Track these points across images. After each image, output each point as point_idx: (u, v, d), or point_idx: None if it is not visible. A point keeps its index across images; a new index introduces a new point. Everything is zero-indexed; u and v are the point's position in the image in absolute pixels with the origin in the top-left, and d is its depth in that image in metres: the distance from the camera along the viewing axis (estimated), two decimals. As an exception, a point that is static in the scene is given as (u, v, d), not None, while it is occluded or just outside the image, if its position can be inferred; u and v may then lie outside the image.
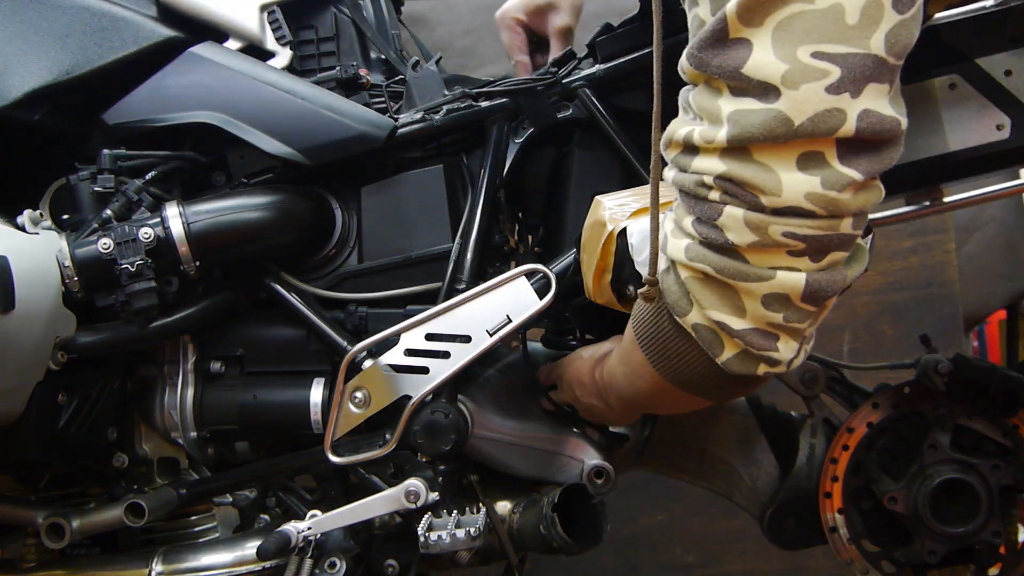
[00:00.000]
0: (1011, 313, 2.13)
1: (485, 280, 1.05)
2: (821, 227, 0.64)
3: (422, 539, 1.00)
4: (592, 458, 1.09)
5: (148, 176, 1.10)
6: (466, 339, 1.03)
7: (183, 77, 1.13)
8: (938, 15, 1.04)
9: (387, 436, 1.07)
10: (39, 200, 1.13)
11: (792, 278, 0.66)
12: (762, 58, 0.61)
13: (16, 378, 0.99)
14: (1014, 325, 2.13)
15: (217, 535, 1.18)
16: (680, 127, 0.70)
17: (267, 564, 1.10)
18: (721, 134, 0.64)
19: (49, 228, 1.07)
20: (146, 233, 1.03)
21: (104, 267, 1.02)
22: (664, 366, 0.79)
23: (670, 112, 0.72)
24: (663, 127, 0.73)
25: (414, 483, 1.05)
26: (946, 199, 1.26)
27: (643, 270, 0.84)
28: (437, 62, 1.21)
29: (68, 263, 1.02)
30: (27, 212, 1.06)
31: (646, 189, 0.98)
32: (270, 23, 1.22)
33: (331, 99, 1.13)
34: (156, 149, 1.13)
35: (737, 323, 0.69)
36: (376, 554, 1.10)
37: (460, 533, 1.00)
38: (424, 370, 1.04)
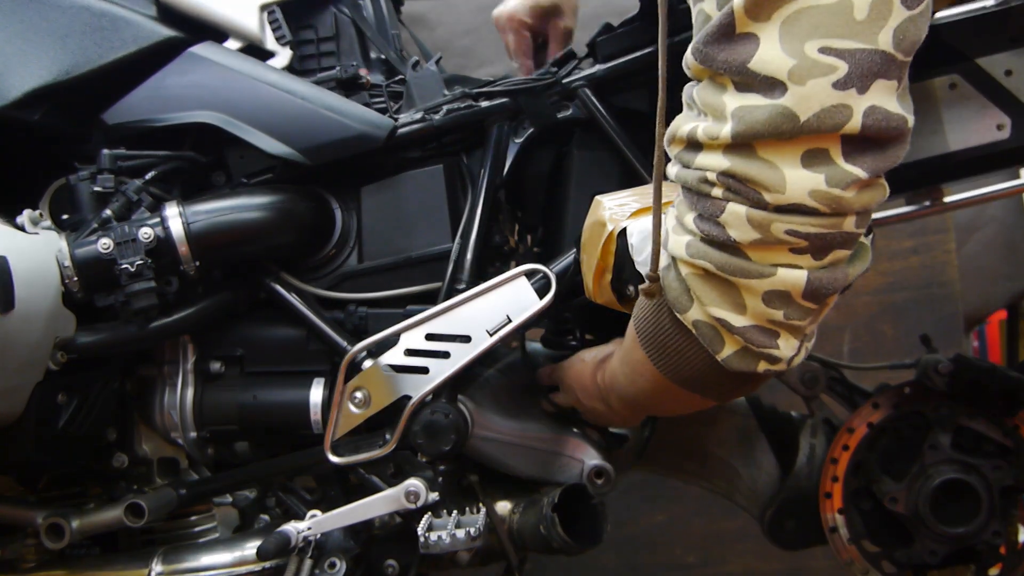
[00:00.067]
0: (1011, 313, 2.13)
1: (485, 280, 1.05)
2: (824, 225, 0.64)
3: (422, 539, 1.00)
4: (592, 458, 1.09)
5: (148, 176, 1.10)
6: (466, 339, 1.03)
7: (183, 77, 1.13)
8: (938, 15, 1.04)
9: (387, 436, 1.07)
10: (39, 200, 1.13)
11: (793, 275, 0.66)
12: (769, 53, 0.61)
13: (15, 378, 0.99)
14: (1014, 325, 2.13)
15: (217, 535, 1.18)
16: (684, 123, 0.69)
17: (267, 564, 1.10)
18: (725, 130, 0.64)
19: (49, 228, 1.07)
20: (146, 233, 1.03)
21: (104, 267, 1.02)
22: (665, 363, 0.79)
23: (673, 110, 0.72)
24: (666, 124, 0.72)
25: (414, 483, 1.05)
26: (946, 199, 1.25)
27: (643, 270, 0.84)
28: (437, 62, 1.21)
29: (68, 263, 1.02)
30: (27, 212, 1.06)
31: (646, 189, 0.98)
32: (270, 23, 1.21)
33: (331, 99, 1.13)
34: (156, 149, 1.13)
35: (738, 320, 0.69)
36: (376, 554, 1.10)
37: (460, 533, 1.00)
38: (424, 370, 1.04)
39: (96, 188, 1.07)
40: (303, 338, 1.15)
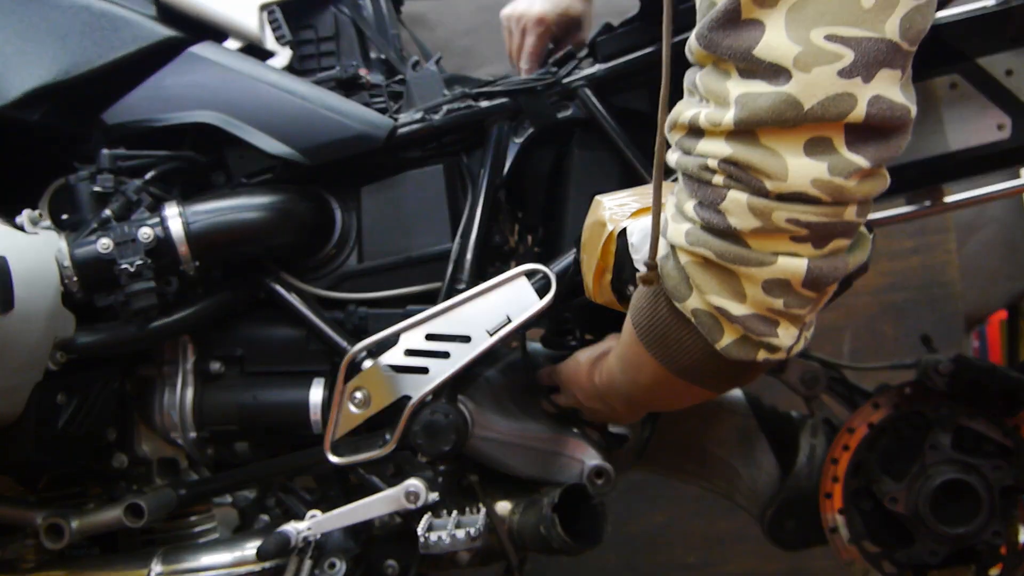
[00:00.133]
0: (1012, 313, 2.13)
1: (485, 280, 1.05)
2: (825, 214, 0.64)
3: (422, 539, 1.00)
4: (592, 458, 1.09)
5: (147, 176, 1.10)
6: (466, 339, 1.03)
7: (182, 77, 1.13)
8: (938, 14, 1.04)
9: (387, 436, 1.07)
10: (38, 200, 1.13)
11: (794, 264, 0.66)
12: (774, 40, 0.60)
13: (15, 378, 0.99)
14: (1015, 325, 2.13)
15: (217, 535, 1.18)
16: (685, 109, 0.69)
17: (267, 565, 1.10)
18: (728, 117, 0.63)
19: (48, 228, 1.07)
20: (145, 233, 1.03)
21: (103, 267, 1.02)
22: (663, 354, 0.79)
23: (675, 100, 0.72)
24: (668, 111, 0.72)
25: (414, 483, 1.05)
26: (947, 199, 1.25)
27: (643, 268, 0.84)
28: (437, 62, 1.21)
29: (67, 263, 1.02)
30: (26, 212, 1.06)
31: (646, 189, 0.98)
32: (270, 22, 1.21)
33: (331, 99, 1.13)
34: (156, 149, 1.13)
35: (737, 308, 0.69)
36: (376, 554, 1.10)
37: (460, 533, 1.00)
38: (424, 370, 1.04)
39: (96, 188, 1.07)
40: (303, 338, 1.15)
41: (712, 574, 2.02)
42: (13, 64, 1.06)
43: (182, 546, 1.15)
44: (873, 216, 1.05)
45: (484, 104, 1.14)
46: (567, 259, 1.05)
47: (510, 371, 1.15)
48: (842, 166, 0.62)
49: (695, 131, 0.68)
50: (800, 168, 0.62)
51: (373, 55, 1.29)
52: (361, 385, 1.06)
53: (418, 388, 1.04)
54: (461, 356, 1.03)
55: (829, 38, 0.59)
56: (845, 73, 0.59)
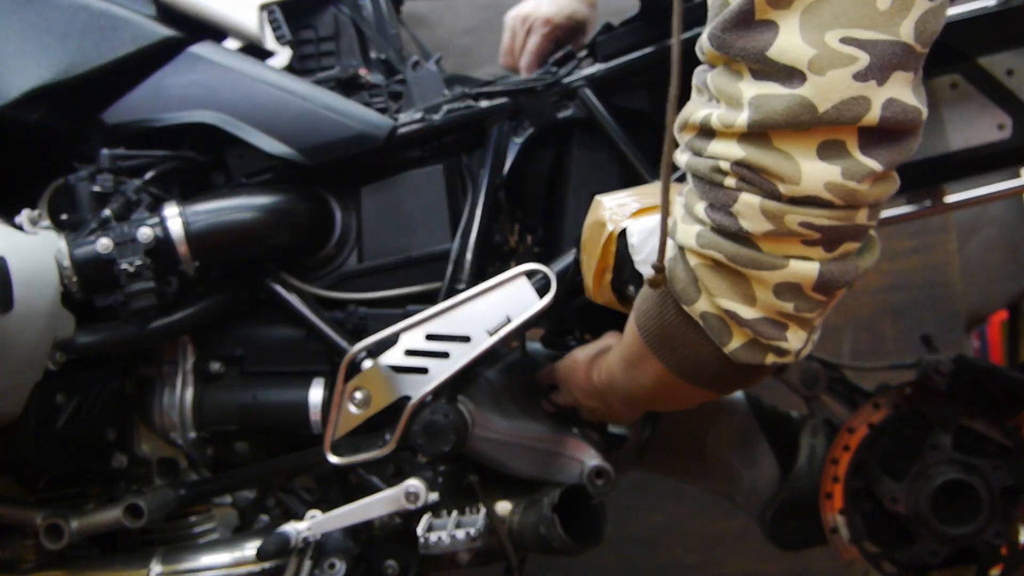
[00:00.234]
0: (1013, 313, 2.13)
1: (485, 280, 1.05)
2: (838, 217, 0.63)
3: (422, 540, 1.00)
4: (592, 458, 1.08)
5: (147, 176, 1.10)
6: (466, 339, 1.03)
7: (182, 77, 1.12)
8: (939, 14, 1.04)
9: (387, 437, 1.07)
10: (38, 200, 1.13)
11: (805, 267, 0.65)
12: (789, 42, 0.60)
13: (14, 378, 0.99)
14: (1016, 325, 2.13)
15: (216, 536, 1.18)
16: (696, 109, 0.68)
17: (266, 565, 1.10)
18: (741, 118, 0.63)
19: (48, 228, 1.07)
20: (145, 233, 1.03)
21: (103, 267, 1.02)
22: (668, 357, 0.78)
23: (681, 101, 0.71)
24: (677, 111, 0.71)
25: (414, 484, 1.05)
26: (947, 199, 1.25)
27: (643, 269, 0.83)
28: (437, 62, 1.21)
29: (67, 263, 1.02)
30: (25, 212, 1.06)
31: (646, 189, 0.98)
32: (270, 22, 1.21)
33: (330, 99, 1.13)
34: (155, 149, 1.13)
35: (747, 312, 0.68)
36: (376, 554, 1.10)
37: (460, 534, 1.00)
38: (424, 370, 1.04)
39: (95, 188, 1.07)
40: (303, 338, 1.15)
41: (712, 574, 2.02)
42: (13, 64, 1.06)
43: (182, 546, 1.15)
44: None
45: (484, 104, 1.13)
46: (567, 259, 1.05)
47: (510, 371, 1.14)
48: (855, 170, 0.61)
49: (706, 132, 0.67)
50: (813, 171, 0.62)
51: (373, 55, 1.29)
52: (361, 385, 1.06)
53: (418, 388, 1.04)
54: (461, 356, 1.03)
55: (844, 40, 0.59)
56: (860, 76, 0.59)
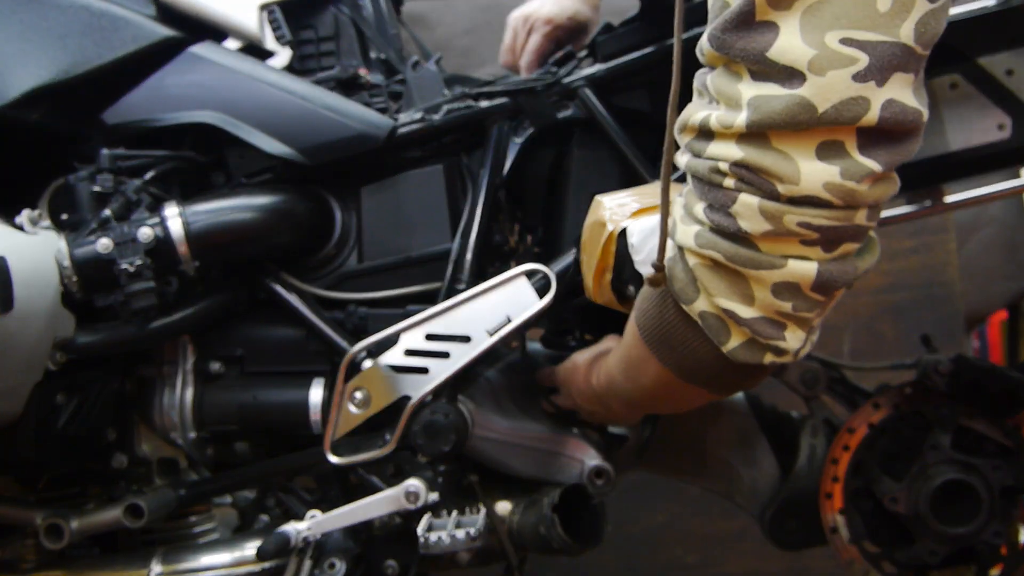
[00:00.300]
0: (1012, 313, 2.13)
1: (485, 280, 1.05)
2: (837, 218, 0.64)
3: (422, 540, 1.00)
4: (592, 458, 1.08)
5: (147, 176, 1.10)
6: (466, 339, 1.03)
7: (182, 77, 1.13)
8: (939, 14, 1.04)
9: (387, 436, 1.07)
10: (38, 200, 1.13)
11: (803, 267, 0.66)
12: (789, 42, 0.60)
13: (15, 378, 0.99)
14: (1015, 325, 2.13)
15: (216, 536, 1.18)
16: (696, 111, 0.68)
17: (267, 565, 1.10)
18: (740, 119, 0.63)
19: (48, 228, 1.07)
20: (145, 233, 1.03)
21: (103, 267, 1.02)
22: (668, 356, 0.79)
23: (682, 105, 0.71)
24: (678, 112, 0.71)
25: (414, 483, 1.05)
26: (947, 199, 1.25)
27: (643, 270, 0.83)
28: (437, 62, 1.21)
29: (67, 263, 1.02)
30: (26, 212, 1.06)
31: (646, 189, 0.98)
32: (270, 22, 1.22)
33: (331, 99, 1.13)
34: (155, 149, 1.13)
35: (745, 311, 0.68)
36: (376, 554, 1.10)
37: (460, 534, 1.00)
38: (424, 370, 1.04)
39: (95, 188, 1.07)
40: (303, 338, 1.15)
41: (712, 574, 2.02)
42: (13, 64, 1.06)
43: (182, 546, 1.15)
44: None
45: (484, 104, 1.14)
46: (567, 259, 1.05)
47: (510, 371, 1.14)
48: (854, 170, 0.62)
49: (706, 133, 0.67)
50: (812, 172, 0.62)
51: (373, 55, 1.29)
52: (361, 385, 1.06)
53: (418, 388, 1.04)
54: (461, 356, 1.03)
55: (844, 41, 0.59)
56: (859, 77, 0.59)
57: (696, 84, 0.71)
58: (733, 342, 0.71)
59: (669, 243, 0.74)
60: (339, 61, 1.26)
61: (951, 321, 1.97)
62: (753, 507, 1.24)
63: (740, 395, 1.26)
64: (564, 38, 1.30)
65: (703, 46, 0.67)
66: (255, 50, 1.20)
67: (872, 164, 0.62)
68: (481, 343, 1.03)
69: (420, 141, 1.15)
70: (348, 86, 1.20)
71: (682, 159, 0.71)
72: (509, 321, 1.03)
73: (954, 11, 1.05)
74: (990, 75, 1.05)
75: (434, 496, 1.05)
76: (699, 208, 0.69)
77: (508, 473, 1.11)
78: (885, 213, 1.29)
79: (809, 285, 0.66)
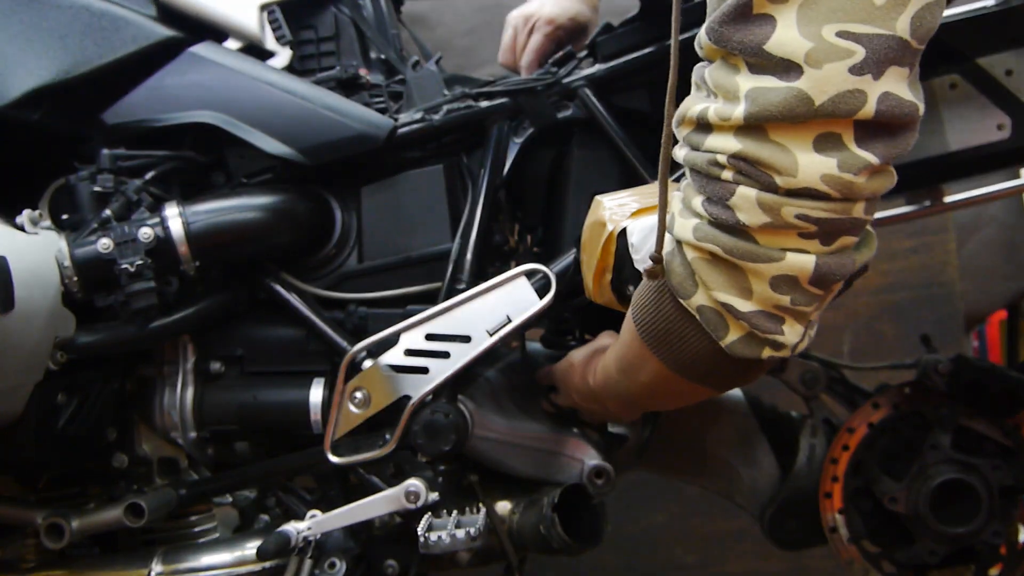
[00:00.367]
0: (1012, 313, 2.13)
1: (485, 280, 1.05)
2: (835, 210, 0.64)
3: (422, 539, 1.00)
4: (592, 458, 1.09)
5: (147, 176, 1.10)
6: (466, 339, 1.03)
7: (182, 77, 1.13)
8: (938, 14, 1.04)
9: (387, 436, 1.07)
10: (38, 200, 1.13)
11: (802, 260, 0.66)
12: (786, 35, 0.60)
13: (15, 378, 0.99)
14: (1015, 325, 2.13)
15: (217, 535, 1.18)
16: (694, 104, 0.69)
17: (267, 564, 1.10)
18: (738, 112, 0.63)
19: (48, 228, 1.07)
20: (146, 233, 1.03)
21: (104, 267, 1.02)
22: (665, 351, 0.78)
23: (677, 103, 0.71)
24: (676, 105, 0.71)
25: (414, 483, 1.05)
26: (946, 199, 1.25)
27: (642, 268, 0.83)
28: (437, 62, 1.21)
29: (67, 263, 1.02)
30: (26, 212, 1.06)
31: (646, 189, 0.98)
32: (270, 23, 1.22)
33: (331, 99, 1.13)
34: (156, 149, 1.13)
35: (743, 305, 0.69)
36: (376, 554, 1.10)
37: (460, 533, 1.00)
38: (424, 370, 1.04)
39: (96, 188, 1.07)
40: (303, 338, 1.15)
41: (711, 574, 2.02)
42: (13, 64, 1.06)
43: (182, 546, 1.15)
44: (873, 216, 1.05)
45: (484, 104, 1.14)
46: (567, 259, 1.05)
47: (510, 371, 1.15)
48: (852, 162, 0.62)
49: (703, 126, 0.68)
50: (810, 164, 0.62)
51: (373, 55, 1.29)
52: (361, 385, 1.06)
53: (418, 388, 1.04)
54: (461, 356, 1.03)
55: (841, 34, 0.59)
56: (856, 70, 0.59)
57: (694, 77, 0.71)
58: (731, 336, 0.71)
59: (667, 237, 0.74)
60: (339, 61, 1.26)
61: (951, 321, 1.97)
62: (753, 507, 1.24)
63: (740, 395, 1.26)
64: (565, 39, 1.30)
65: (701, 39, 0.67)
66: (255, 50, 1.20)
67: (869, 157, 0.62)
68: (481, 343, 1.03)
69: (420, 141, 1.15)
70: (348, 86, 1.20)
71: (680, 152, 0.71)
72: (509, 321, 1.03)
73: (954, 11, 1.06)
74: (989, 75, 1.06)
75: (434, 496, 1.06)
76: (697, 201, 0.69)
77: (508, 473, 1.11)
78: (885, 213, 1.29)
79: (807, 278, 0.66)
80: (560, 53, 1.17)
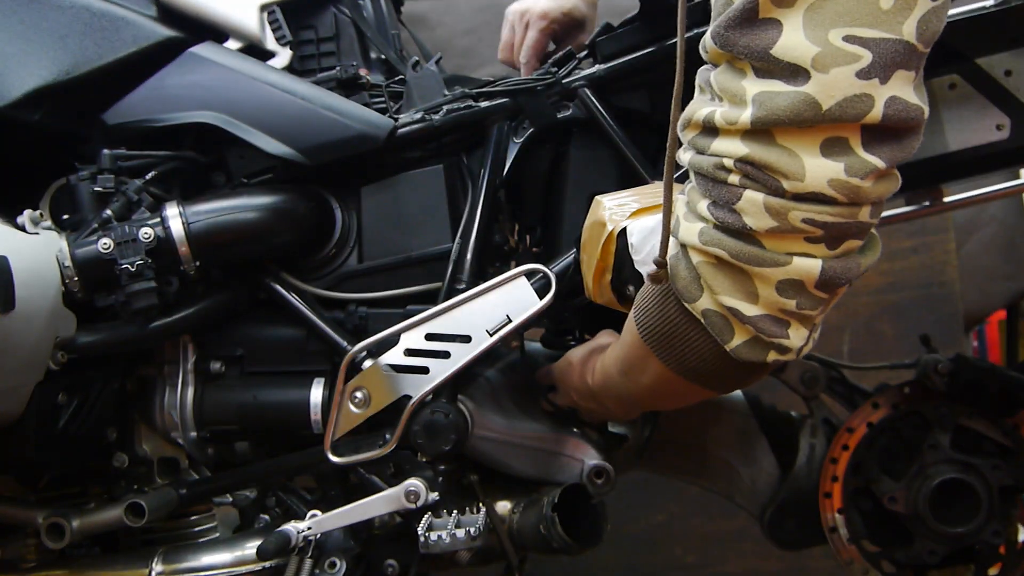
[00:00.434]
0: (1011, 313, 2.13)
1: (485, 280, 1.05)
2: (841, 214, 0.64)
3: (422, 539, 1.00)
4: (592, 458, 1.09)
5: (148, 176, 1.11)
6: (466, 339, 1.03)
7: (183, 77, 1.13)
8: (938, 15, 1.04)
9: (387, 436, 1.07)
10: (39, 200, 1.13)
11: (808, 264, 0.66)
12: (792, 40, 0.60)
13: (16, 378, 0.99)
14: (1014, 325, 2.13)
15: (217, 535, 1.18)
16: (700, 107, 0.69)
17: (267, 564, 1.10)
18: (745, 115, 0.63)
19: (49, 228, 1.07)
20: (146, 233, 1.03)
21: (104, 267, 1.02)
22: (669, 355, 0.78)
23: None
24: (681, 109, 0.71)
25: (414, 483, 1.05)
26: (946, 199, 1.26)
27: (642, 269, 0.83)
28: (437, 62, 1.21)
29: (68, 263, 1.02)
30: (27, 212, 1.06)
31: (646, 189, 0.98)
32: (270, 23, 1.22)
33: (331, 99, 1.13)
34: (156, 149, 1.13)
35: (749, 309, 0.69)
36: (376, 554, 1.10)
37: (460, 533, 1.00)
38: (424, 370, 1.04)
39: (96, 188, 1.07)
40: (303, 338, 1.15)
41: (711, 573, 2.03)
42: (14, 64, 1.07)
43: (182, 546, 1.15)
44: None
45: (484, 104, 1.14)
46: (567, 259, 1.05)
47: (510, 371, 1.15)
48: (859, 166, 0.62)
49: (710, 130, 0.67)
50: (817, 168, 0.62)
51: (373, 55, 1.29)
52: (361, 385, 1.06)
53: (418, 388, 1.04)
54: (461, 356, 1.03)
55: (847, 39, 0.59)
56: (863, 74, 0.59)
57: (698, 80, 0.71)
58: (736, 340, 0.71)
59: (672, 241, 0.74)
60: (339, 61, 1.26)
61: (950, 321, 1.97)
62: (753, 507, 1.24)
63: (740, 395, 1.26)
64: (561, 33, 1.30)
65: (706, 43, 0.67)
66: (255, 51, 1.20)
67: (876, 161, 0.62)
68: (481, 343, 1.03)
69: (420, 141, 1.15)
70: (348, 86, 1.20)
71: (685, 155, 0.71)
72: (509, 321, 1.03)
73: (953, 11, 1.06)
74: (989, 75, 1.06)
75: (434, 496, 1.06)
76: (703, 205, 0.69)
77: (508, 473, 1.11)
78: (885, 213, 1.29)
79: (813, 282, 0.67)
80: (560, 53, 1.17)
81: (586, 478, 1.07)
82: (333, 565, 1.07)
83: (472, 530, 1.00)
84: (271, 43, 1.21)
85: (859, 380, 1.25)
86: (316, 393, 1.12)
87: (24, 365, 0.99)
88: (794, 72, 0.61)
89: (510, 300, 1.03)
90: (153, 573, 1.11)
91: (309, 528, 1.06)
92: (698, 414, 1.24)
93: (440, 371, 1.04)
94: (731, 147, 0.65)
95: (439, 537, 1.00)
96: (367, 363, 1.06)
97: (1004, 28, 1.04)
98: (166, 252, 1.04)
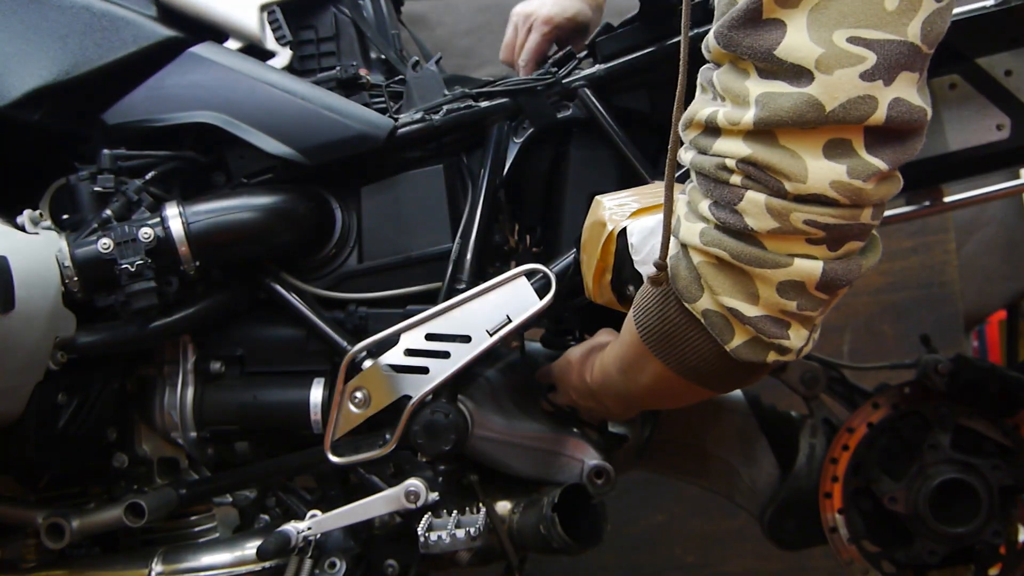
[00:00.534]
0: (1011, 313, 2.13)
1: (485, 280, 1.05)
2: (843, 216, 0.64)
3: (422, 539, 1.00)
4: (592, 458, 1.09)
5: (148, 176, 1.11)
6: (466, 339, 1.03)
7: (183, 77, 1.13)
8: (938, 15, 1.04)
9: (387, 436, 1.07)
10: (39, 200, 1.13)
11: (809, 266, 0.66)
12: (796, 40, 0.60)
13: (16, 378, 0.99)
14: (1014, 325, 2.13)
15: (217, 535, 1.18)
16: (702, 107, 0.68)
17: (267, 564, 1.10)
18: (748, 116, 0.63)
19: (49, 228, 1.07)
20: (146, 233, 1.03)
21: (104, 267, 1.02)
22: (668, 355, 0.78)
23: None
24: (683, 109, 0.71)
25: (414, 483, 1.05)
26: (946, 199, 1.26)
27: (642, 269, 0.83)
28: (437, 62, 1.21)
29: (68, 263, 1.02)
30: (27, 212, 1.06)
31: (645, 189, 0.98)
32: (270, 23, 1.22)
33: (331, 99, 1.13)
34: (156, 149, 1.13)
35: (750, 310, 0.68)
36: (376, 554, 1.10)
37: (460, 533, 1.00)
38: (424, 370, 1.04)
39: (96, 188, 1.07)
40: (303, 338, 1.15)
41: (711, 573, 2.02)
42: (13, 64, 1.07)
43: (182, 546, 1.15)
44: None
45: (484, 104, 1.14)
46: (567, 259, 1.05)
47: (510, 371, 1.15)
48: (861, 168, 0.62)
49: (712, 130, 0.67)
50: (819, 170, 0.62)
51: (373, 55, 1.29)
52: (361, 385, 1.06)
53: (418, 388, 1.04)
54: (461, 356, 1.03)
55: (852, 40, 0.59)
56: (867, 76, 0.59)
57: (701, 80, 0.71)
58: (737, 341, 0.71)
59: (672, 241, 0.74)
60: (339, 61, 1.26)
61: (950, 321, 1.97)
62: (753, 507, 1.24)
63: (740, 395, 1.26)
64: (563, 38, 1.30)
65: (709, 43, 0.67)
66: (255, 51, 1.20)
67: (879, 163, 0.62)
68: (481, 343, 1.03)
69: (420, 141, 1.15)
70: (348, 86, 1.20)
71: (687, 155, 0.71)
72: (509, 321, 1.03)
73: (953, 11, 1.06)
74: (989, 75, 1.06)
75: (434, 496, 1.06)
76: (704, 205, 0.69)
77: (508, 473, 1.11)
78: (885, 212, 1.29)
79: (814, 284, 0.66)
80: (560, 53, 1.17)
81: (586, 478, 1.07)
82: (333, 565, 1.07)
83: (472, 530, 1.00)
84: (271, 43, 1.21)
85: (859, 380, 1.25)
86: (316, 393, 1.12)
87: (24, 365, 0.99)
88: (798, 73, 0.61)
89: (510, 300, 1.03)
90: (153, 573, 1.11)
91: (309, 528, 1.06)
92: (698, 414, 1.24)
93: (440, 371, 1.04)
94: (733, 147, 0.65)
95: (439, 537, 1.00)
96: (367, 363, 1.06)
97: (1004, 28, 1.04)
98: (166, 252, 1.04)
